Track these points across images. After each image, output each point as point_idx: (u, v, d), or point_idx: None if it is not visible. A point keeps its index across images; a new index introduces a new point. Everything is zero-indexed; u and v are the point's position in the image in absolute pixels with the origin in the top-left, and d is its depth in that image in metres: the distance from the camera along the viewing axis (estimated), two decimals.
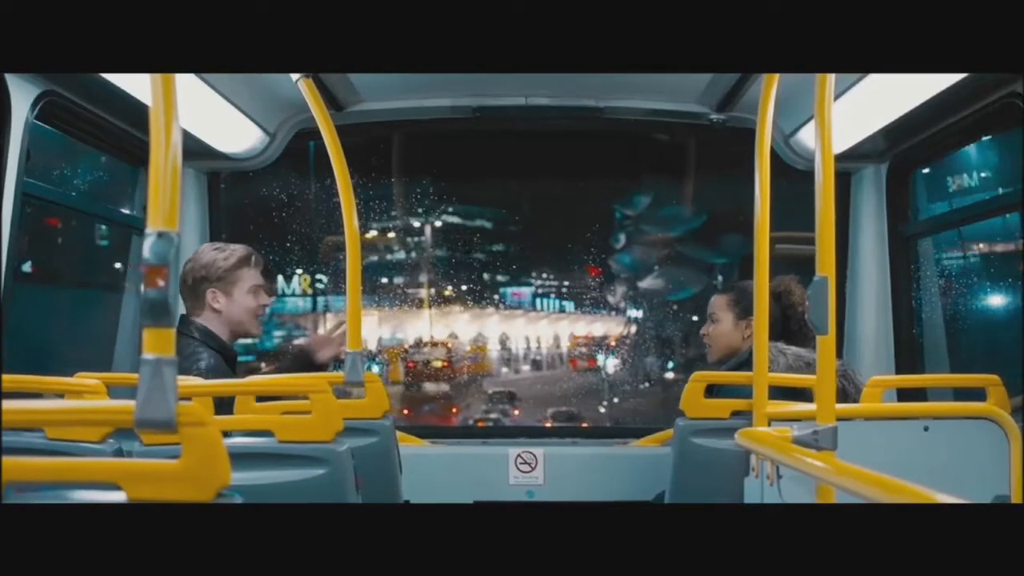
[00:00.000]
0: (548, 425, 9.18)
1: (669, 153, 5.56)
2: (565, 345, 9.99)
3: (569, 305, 9.52)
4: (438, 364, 9.23)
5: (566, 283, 9.28)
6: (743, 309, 3.49)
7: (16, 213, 2.73)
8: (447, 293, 8.83)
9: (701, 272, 7.35)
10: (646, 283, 7.73)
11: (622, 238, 7.66)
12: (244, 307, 3.29)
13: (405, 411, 8.87)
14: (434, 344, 9.16)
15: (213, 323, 3.27)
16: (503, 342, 9.90)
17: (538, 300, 9.62)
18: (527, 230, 8.45)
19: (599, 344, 9.21)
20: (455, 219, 8.60)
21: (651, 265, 7.65)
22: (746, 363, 3.40)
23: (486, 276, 9.02)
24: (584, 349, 9.88)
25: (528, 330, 10.00)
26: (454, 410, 9.30)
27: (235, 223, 4.59)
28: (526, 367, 10.24)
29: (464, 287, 8.75)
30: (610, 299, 8.17)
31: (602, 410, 8.47)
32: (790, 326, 3.47)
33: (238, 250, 3.34)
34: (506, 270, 9.19)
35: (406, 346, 9.04)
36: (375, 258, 8.45)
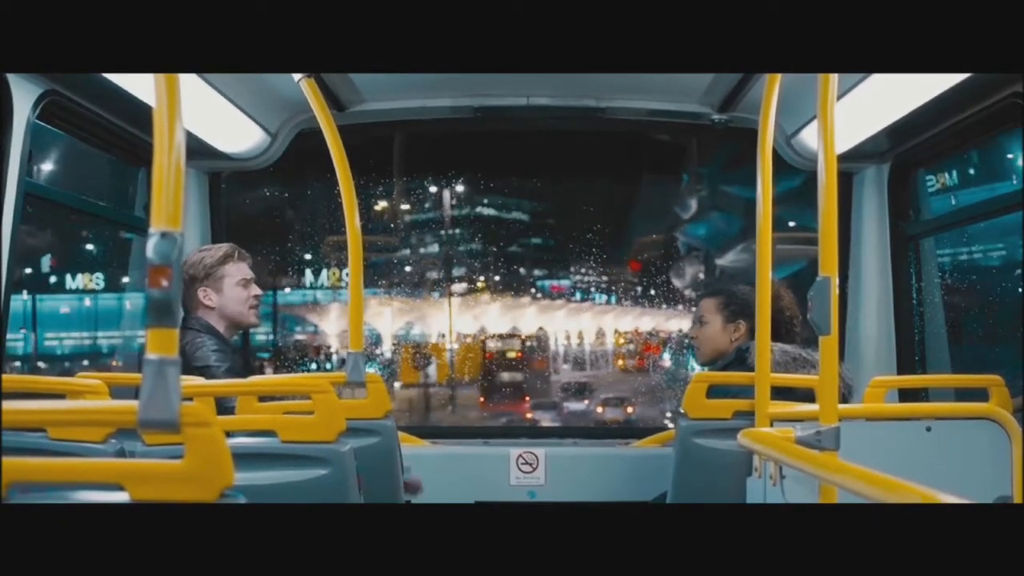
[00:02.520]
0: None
1: (670, 153, 5.49)
2: (635, 343, 9.29)
3: (618, 297, 8.75)
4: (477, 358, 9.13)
5: (610, 275, 8.55)
6: (732, 312, 3.56)
7: (18, 213, 2.73)
8: (480, 285, 8.64)
9: (807, 242, 5.39)
10: (728, 259, 6.34)
11: (692, 204, 6.30)
12: (235, 299, 3.42)
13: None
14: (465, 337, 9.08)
15: (211, 319, 3.40)
16: (540, 339, 9.59)
17: (578, 292, 9.07)
18: (565, 223, 7.91)
19: (662, 339, 8.36)
20: (490, 211, 8.44)
21: (735, 235, 6.18)
22: (732, 363, 3.42)
23: (522, 270, 8.78)
24: (632, 346, 9.31)
25: (570, 324, 9.69)
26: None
27: (236, 223, 4.60)
28: (565, 366, 9.98)
29: (497, 278, 8.52)
30: (677, 282, 6.84)
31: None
32: (779, 328, 3.51)
33: (221, 247, 3.48)
34: (543, 263, 8.92)
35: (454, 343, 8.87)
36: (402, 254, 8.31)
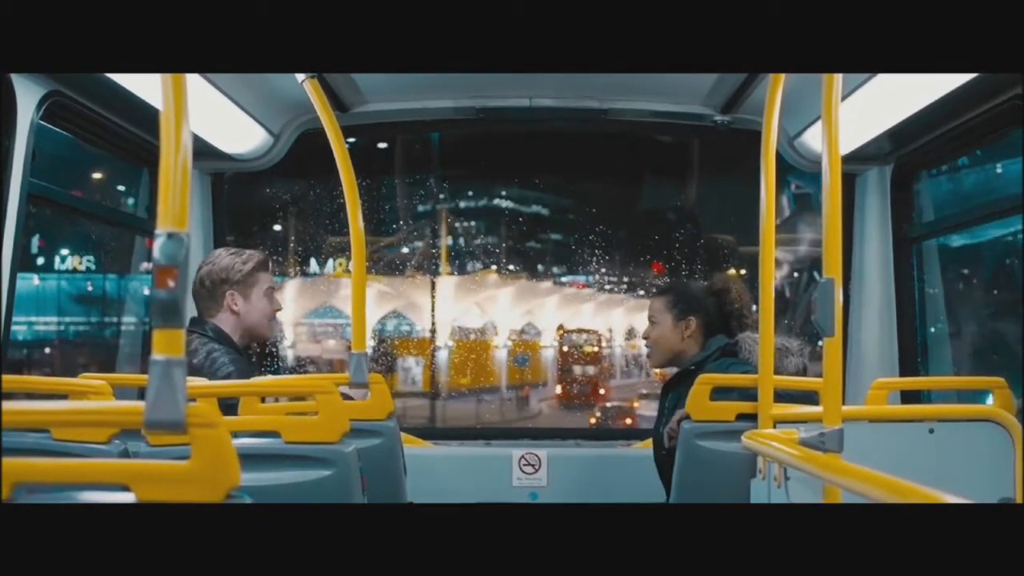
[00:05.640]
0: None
1: (673, 154, 5.48)
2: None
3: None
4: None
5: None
6: (681, 311, 3.56)
7: (21, 213, 2.73)
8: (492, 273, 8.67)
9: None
10: None
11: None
12: (260, 310, 3.36)
13: None
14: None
15: (228, 325, 3.31)
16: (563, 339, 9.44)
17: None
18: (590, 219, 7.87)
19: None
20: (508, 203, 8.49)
21: None
22: (700, 365, 3.42)
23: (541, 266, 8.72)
24: None
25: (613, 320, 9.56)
26: None
27: (239, 223, 4.61)
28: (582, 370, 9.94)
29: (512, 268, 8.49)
30: (783, 260, 6.21)
31: None
32: (729, 322, 3.53)
33: (255, 255, 3.42)
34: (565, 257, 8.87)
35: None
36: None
